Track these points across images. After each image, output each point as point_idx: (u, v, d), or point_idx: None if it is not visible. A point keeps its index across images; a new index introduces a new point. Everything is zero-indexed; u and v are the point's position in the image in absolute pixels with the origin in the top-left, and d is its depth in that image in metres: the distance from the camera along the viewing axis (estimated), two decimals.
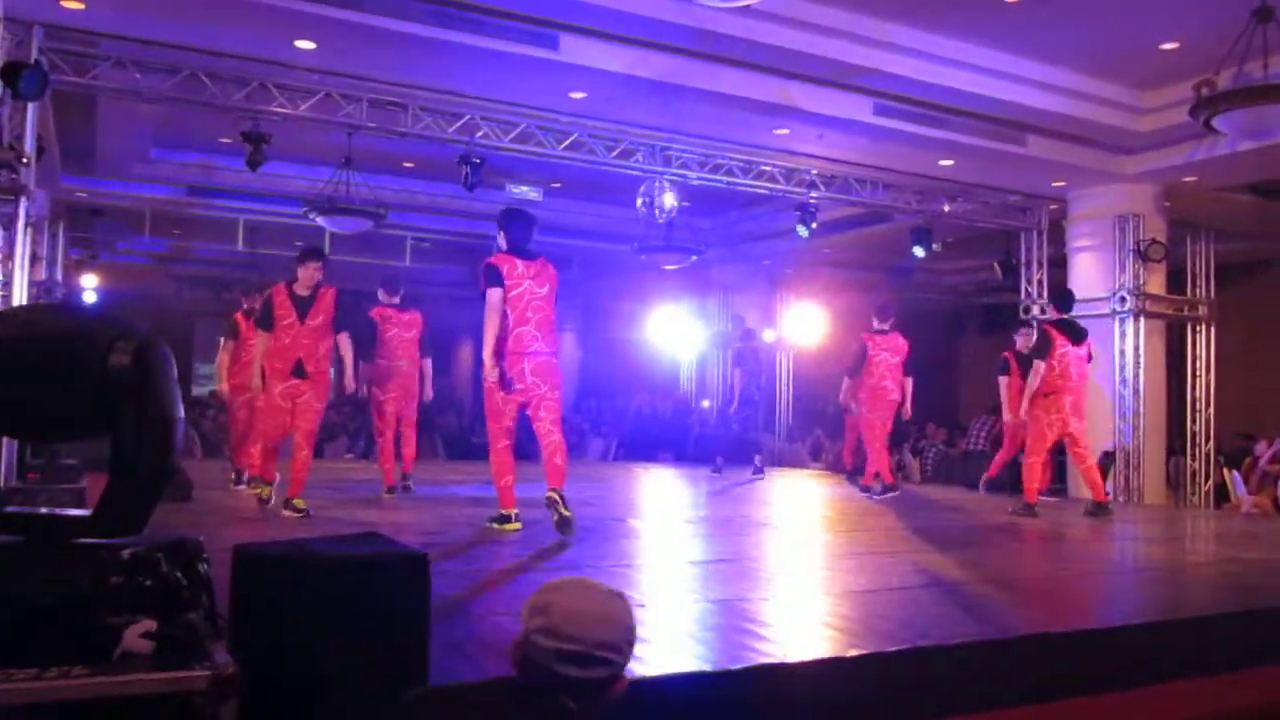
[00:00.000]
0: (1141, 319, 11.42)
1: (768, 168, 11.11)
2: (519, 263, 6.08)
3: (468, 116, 9.50)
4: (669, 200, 10.65)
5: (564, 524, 5.87)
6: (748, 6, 6.79)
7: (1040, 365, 8.21)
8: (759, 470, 11.69)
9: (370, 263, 17.16)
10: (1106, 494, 8.94)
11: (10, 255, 7.59)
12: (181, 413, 2.36)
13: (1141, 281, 11.43)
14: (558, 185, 13.37)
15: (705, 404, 17.30)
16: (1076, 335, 8.41)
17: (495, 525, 6.26)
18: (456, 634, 3.40)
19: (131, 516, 2.29)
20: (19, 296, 7.71)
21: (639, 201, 10.79)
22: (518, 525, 6.26)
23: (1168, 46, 8.67)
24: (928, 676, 3.46)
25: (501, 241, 6.17)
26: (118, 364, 2.22)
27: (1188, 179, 11.14)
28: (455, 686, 1.98)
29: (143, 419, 2.26)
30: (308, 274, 7.06)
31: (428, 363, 8.68)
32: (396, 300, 8.61)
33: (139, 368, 2.24)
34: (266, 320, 7.06)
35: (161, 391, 2.28)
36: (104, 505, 2.29)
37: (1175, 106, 8.92)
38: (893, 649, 3.53)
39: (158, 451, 2.29)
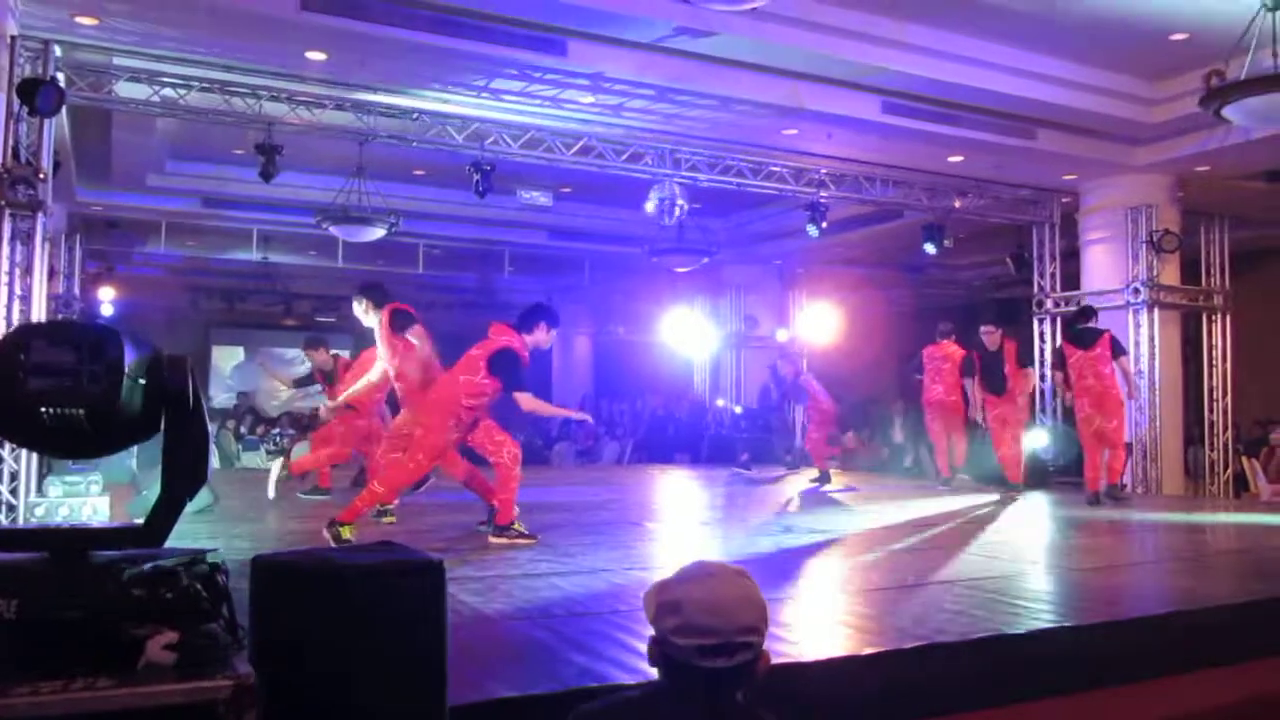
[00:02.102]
0: (1156, 310, 11.37)
1: (777, 168, 11.12)
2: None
3: (478, 124, 9.54)
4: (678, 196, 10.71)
5: None
6: (754, 9, 6.80)
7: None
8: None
9: (383, 270, 17.27)
10: (1124, 484, 9.81)
11: (29, 270, 7.67)
12: (210, 427, 2.43)
13: (1155, 272, 11.38)
14: (568, 189, 13.41)
15: (720, 403, 17.30)
16: (1084, 342, 9.11)
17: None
18: (475, 641, 3.44)
19: (170, 527, 2.37)
20: (37, 310, 7.79)
21: (649, 205, 10.80)
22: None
23: (1177, 37, 8.64)
24: (944, 672, 3.47)
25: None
26: (165, 381, 2.30)
27: (1200, 168, 11.10)
28: (623, 699, 1.99)
29: (195, 433, 2.35)
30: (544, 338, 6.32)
31: None
32: None
33: (185, 385, 2.32)
34: (519, 379, 6.05)
35: (200, 408, 2.36)
36: (158, 515, 2.36)
37: (1186, 97, 8.88)
38: (909, 645, 3.55)
39: (205, 463, 2.38)
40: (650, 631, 1.89)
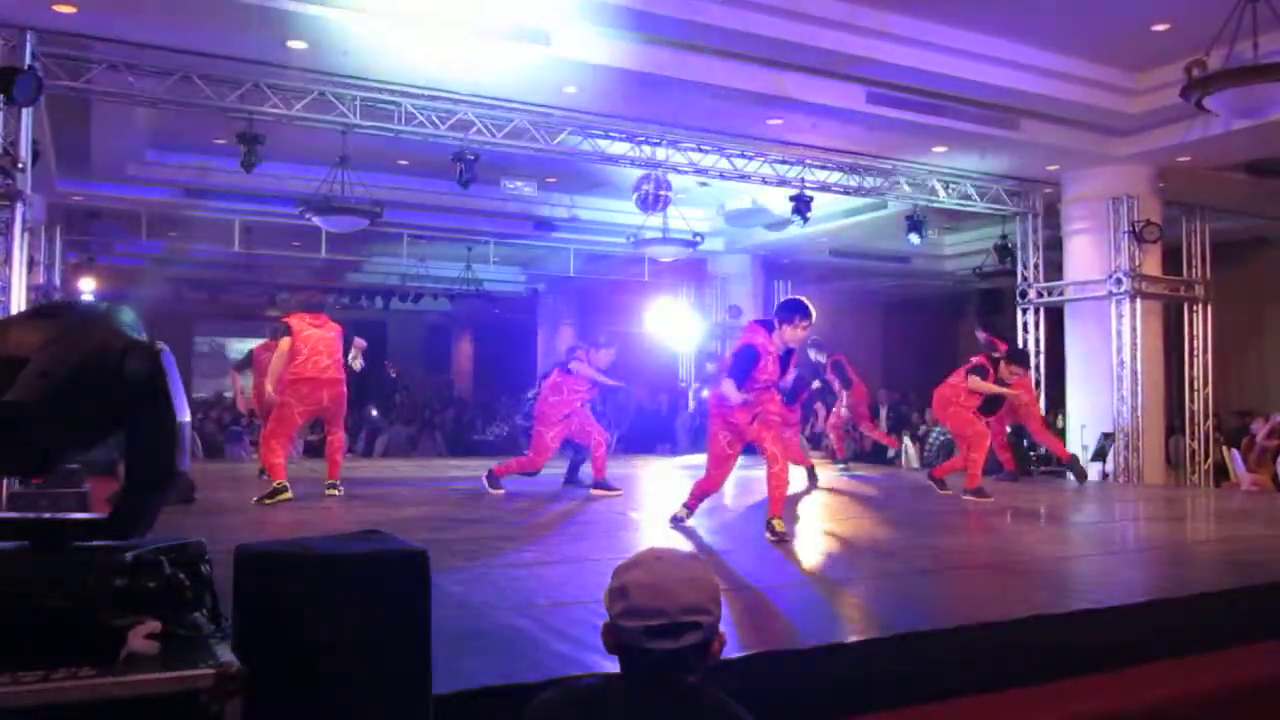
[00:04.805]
0: (1138, 300, 11.43)
1: (761, 158, 11.11)
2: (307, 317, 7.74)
3: (461, 113, 9.50)
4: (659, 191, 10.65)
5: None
6: None
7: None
8: None
9: (368, 260, 17.22)
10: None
11: (8, 260, 7.61)
12: (188, 416, 2.39)
13: (1137, 263, 11.44)
14: (553, 179, 13.37)
15: (705, 394, 17.29)
16: (1026, 363, 10.01)
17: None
18: (459, 630, 3.44)
19: (144, 518, 2.33)
20: (17, 301, 7.74)
21: (635, 196, 10.79)
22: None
23: (1159, 28, 8.67)
24: (926, 660, 3.49)
25: None
26: (134, 370, 2.26)
27: (1181, 159, 11.15)
28: (577, 688, 1.99)
29: (158, 424, 2.30)
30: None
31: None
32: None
33: (154, 373, 2.28)
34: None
35: (174, 396, 2.32)
36: (121, 509, 2.32)
37: (1167, 88, 8.91)
38: (891, 634, 3.57)
39: (172, 455, 2.33)
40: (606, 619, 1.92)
